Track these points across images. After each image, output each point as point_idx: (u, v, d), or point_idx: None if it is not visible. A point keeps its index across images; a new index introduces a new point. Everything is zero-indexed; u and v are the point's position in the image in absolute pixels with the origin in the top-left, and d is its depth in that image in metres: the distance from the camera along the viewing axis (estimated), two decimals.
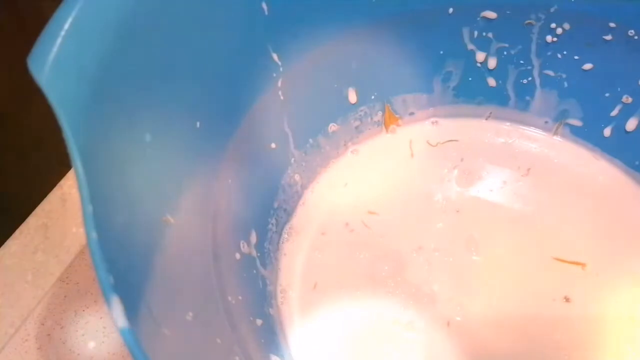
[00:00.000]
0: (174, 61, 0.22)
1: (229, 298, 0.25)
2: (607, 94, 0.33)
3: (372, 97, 0.35)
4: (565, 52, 0.33)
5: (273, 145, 0.31)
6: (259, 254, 0.30)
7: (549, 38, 0.33)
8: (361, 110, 0.35)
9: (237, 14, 0.26)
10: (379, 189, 0.35)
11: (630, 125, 0.33)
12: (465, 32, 0.34)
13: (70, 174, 0.38)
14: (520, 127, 0.37)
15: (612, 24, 0.31)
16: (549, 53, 0.33)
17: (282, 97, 0.30)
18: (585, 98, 0.34)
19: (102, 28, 0.18)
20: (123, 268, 0.16)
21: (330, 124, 0.34)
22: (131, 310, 0.15)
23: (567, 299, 0.30)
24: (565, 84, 0.34)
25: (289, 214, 0.33)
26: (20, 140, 0.34)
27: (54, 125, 0.16)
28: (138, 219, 0.20)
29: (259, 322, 0.27)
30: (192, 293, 0.23)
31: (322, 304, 0.30)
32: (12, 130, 0.33)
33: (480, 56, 0.35)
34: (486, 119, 0.37)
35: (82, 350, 0.31)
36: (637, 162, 0.34)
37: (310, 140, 0.34)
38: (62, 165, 0.38)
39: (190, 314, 0.21)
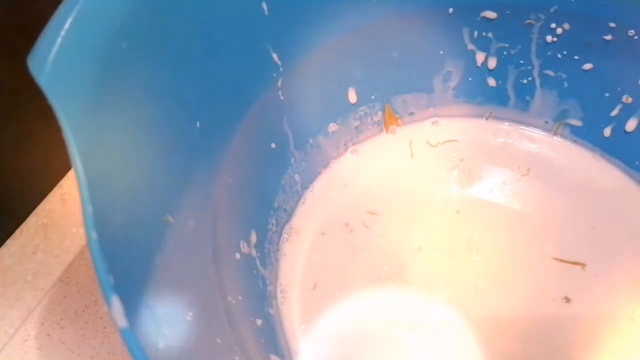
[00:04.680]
0: (173, 61, 0.22)
1: (229, 298, 0.25)
2: (607, 94, 0.33)
3: (372, 97, 0.35)
4: (565, 52, 0.33)
5: (273, 145, 0.31)
6: (259, 254, 0.30)
7: (549, 38, 0.33)
8: (361, 110, 0.35)
9: (237, 14, 0.26)
10: (379, 189, 0.35)
11: (630, 125, 0.33)
12: (465, 32, 0.34)
13: (70, 174, 0.38)
14: (520, 127, 0.37)
15: (612, 24, 0.31)
16: (549, 53, 0.33)
17: (282, 97, 0.30)
18: (585, 98, 0.34)
19: (102, 28, 0.18)
20: (123, 268, 0.16)
21: (330, 124, 0.34)
22: (131, 310, 0.15)
23: (567, 299, 0.30)
24: (565, 84, 0.34)
25: (289, 214, 0.33)
26: (21, 141, 0.34)
27: (53, 125, 0.16)
28: (138, 219, 0.19)
29: (259, 322, 0.27)
30: (192, 293, 0.23)
31: (322, 304, 0.30)
32: (12, 130, 0.33)
33: (480, 56, 0.35)
34: (486, 119, 0.37)
35: (82, 350, 0.31)
36: (637, 162, 0.34)
37: (310, 140, 0.34)
38: (62, 165, 0.38)
39: (190, 314, 0.21)
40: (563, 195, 0.34)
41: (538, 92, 0.35)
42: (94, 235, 0.15)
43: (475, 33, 0.34)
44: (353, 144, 0.36)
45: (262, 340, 0.27)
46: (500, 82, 0.36)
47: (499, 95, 0.36)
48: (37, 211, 0.36)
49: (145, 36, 0.20)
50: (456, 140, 0.36)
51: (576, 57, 0.33)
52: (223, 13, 0.25)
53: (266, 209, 0.31)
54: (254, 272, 0.29)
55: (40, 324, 0.32)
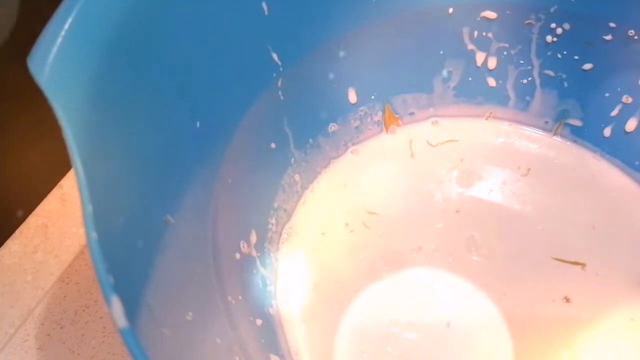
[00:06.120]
0: (174, 61, 0.22)
1: (229, 298, 0.25)
2: (607, 94, 0.33)
3: (372, 97, 0.35)
4: (565, 52, 0.33)
5: (273, 145, 0.31)
6: (259, 254, 0.30)
7: (549, 38, 0.33)
8: (361, 110, 0.35)
9: (237, 14, 0.26)
10: (379, 189, 0.35)
11: (630, 125, 0.33)
12: (465, 32, 0.34)
13: (70, 174, 0.38)
14: (520, 127, 0.37)
15: (612, 24, 0.31)
16: (549, 53, 0.33)
17: (282, 97, 0.30)
18: (585, 98, 0.34)
19: (102, 28, 0.18)
20: (123, 268, 0.16)
21: (330, 124, 0.34)
22: (131, 310, 0.15)
23: (567, 299, 0.30)
24: (565, 84, 0.34)
25: (289, 214, 0.33)
26: (21, 140, 0.34)
27: (54, 125, 0.16)
28: (138, 219, 0.20)
29: (259, 322, 0.27)
30: (192, 293, 0.23)
31: (322, 304, 0.30)
32: (12, 130, 0.33)
33: (480, 56, 0.35)
34: (486, 119, 0.37)
35: (82, 350, 0.31)
36: (637, 162, 0.34)
37: (310, 140, 0.34)
38: (62, 165, 0.38)
39: (190, 314, 0.21)
40: (563, 195, 0.34)
41: (538, 92, 0.35)
42: (94, 235, 0.15)
43: (475, 33, 0.34)
44: (353, 144, 0.36)
45: (262, 340, 0.27)
46: (500, 82, 0.36)
47: (499, 95, 0.36)
48: (37, 211, 0.36)
49: (145, 36, 0.20)
50: (456, 140, 0.36)
51: (576, 57, 0.33)
52: (223, 13, 0.25)
53: (266, 209, 0.31)
54: (254, 272, 0.29)
55: (40, 324, 0.32)
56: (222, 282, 0.25)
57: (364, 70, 0.34)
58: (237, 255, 0.28)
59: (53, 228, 0.36)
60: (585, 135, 0.35)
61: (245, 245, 0.28)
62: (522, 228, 0.33)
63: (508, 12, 0.32)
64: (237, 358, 0.23)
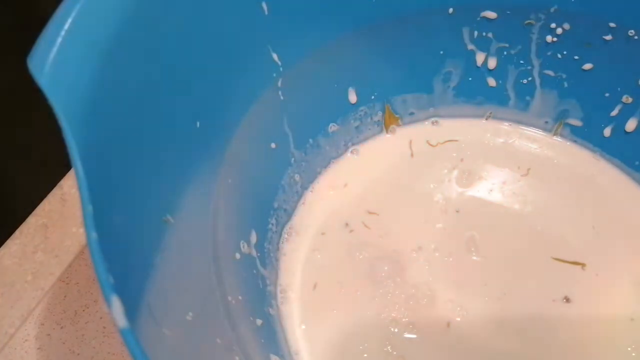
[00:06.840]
0: (174, 61, 0.22)
1: (229, 298, 0.25)
2: (607, 94, 0.33)
3: (372, 97, 0.35)
4: (565, 52, 0.33)
5: (273, 145, 0.31)
6: (259, 254, 0.30)
7: (549, 38, 0.33)
8: (361, 110, 0.35)
9: (237, 14, 0.26)
10: (379, 189, 0.35)
11: (630, 125, 0.33)
12: (465, 32, 0.34)
13: (70, 174, 0.38)
14: (520, 127, 0.37)
15: (612, 24, 0.31)
16: (549, 53, 0.33)
17: (282, 97, 0.30)
18: (585, 98, 0.34)
19: (102, 28, 0.18)
20: (123, 268, 0.16)
21: (330, 124, 0.34)
22: (131, 310, 0.15)
23: (567, 299, 0.30)
24: (565, 84, 0.34)
25: (289, 214, 0.33)
26: (21, 140, 0.34)
27: (54, 125, 0.16)
28: (138, 219, 0.20)
29: (259, 322, 0.27)
30: (192, 293, 0.23)
31: (322, 304, 0.30)
32: (12, 130, 0.33)
33: (480, 56, 0.35)
34: (486, 119, 0.37)
35: (82, 350, 0.31)
36: (637, 162, 0.34)
37: (310, 140, 0.34)
38: (62, 165, 0.38)
39: (190, 314, 0.21)
40: (563, 195, 0.34)
41: (538, 92, 0.35)
42: (94, 235, 0.15)
43: (475, 33, 0.34)
44: (353, 144, 0.36)
45: (262, 340, 0.27)
46: (500, 82, 0.36)
47: (499, 95, 0.36)
48: (37, 211, 0.36)
49: (145, 36, 0.20)
50: (456, 140, 0.36)
51: (576, 57, 0.33)
52: (223, 13, 0.25)
53: (266, 209, 0.31)
54: (254, 272, 0.29)
55: (40, 324, 0.32)
56: (222, 282, 0.25)
57: (364, 70, 0.34)
58: (237, 255, 0.28)
59: (53, 228, 0.36)
60: (585, 135, 0.35)
61: (245, 245, 0.28)
62: (522, 228, 0.33)
63: (508, 12, 0.32)
64: (237, 358, 0.23)
